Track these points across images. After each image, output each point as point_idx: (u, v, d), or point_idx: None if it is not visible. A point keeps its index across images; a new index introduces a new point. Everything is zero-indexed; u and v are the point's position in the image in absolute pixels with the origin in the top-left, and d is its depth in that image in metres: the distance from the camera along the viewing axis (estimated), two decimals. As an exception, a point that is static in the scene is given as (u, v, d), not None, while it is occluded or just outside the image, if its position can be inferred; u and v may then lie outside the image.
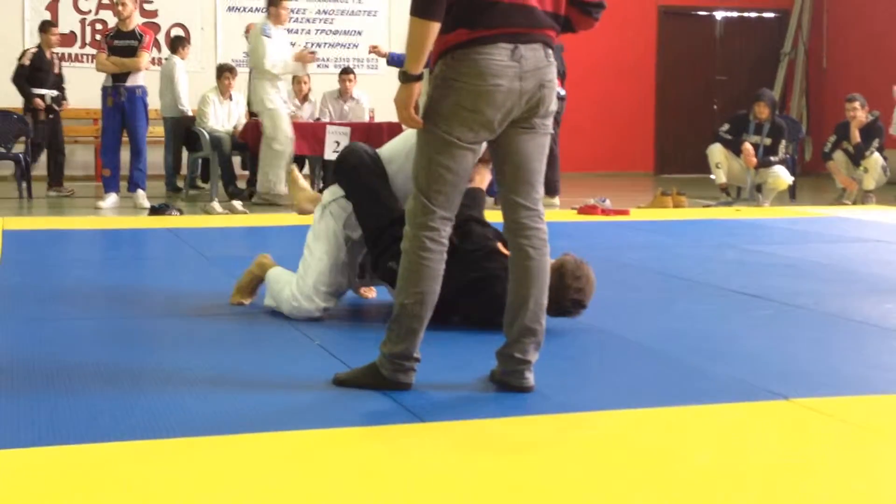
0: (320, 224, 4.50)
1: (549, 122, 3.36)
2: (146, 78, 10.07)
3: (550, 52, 3.31)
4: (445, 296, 4.14)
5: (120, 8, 10.00)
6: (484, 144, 3.38)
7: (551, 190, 11.22)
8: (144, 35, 9.96)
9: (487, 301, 4.16)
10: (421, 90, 3.27)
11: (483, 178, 4.58)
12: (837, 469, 2.72)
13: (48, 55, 11.13)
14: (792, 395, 3.33)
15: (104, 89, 9.95)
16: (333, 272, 4.44)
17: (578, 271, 4.20)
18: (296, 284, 4.46)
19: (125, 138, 10.06)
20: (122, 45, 9.85)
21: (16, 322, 4.36)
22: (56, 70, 11.21)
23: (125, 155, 10.08)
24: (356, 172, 4.46)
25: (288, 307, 4.45)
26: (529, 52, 3.23)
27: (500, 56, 3.19)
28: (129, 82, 9.83)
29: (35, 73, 10.97)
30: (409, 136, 4.62)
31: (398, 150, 4.51)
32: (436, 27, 3.16)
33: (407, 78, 3.22)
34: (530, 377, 3.36)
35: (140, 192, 9.92)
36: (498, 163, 3.38)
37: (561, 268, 4.15)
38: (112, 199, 9.88)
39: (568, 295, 4.17)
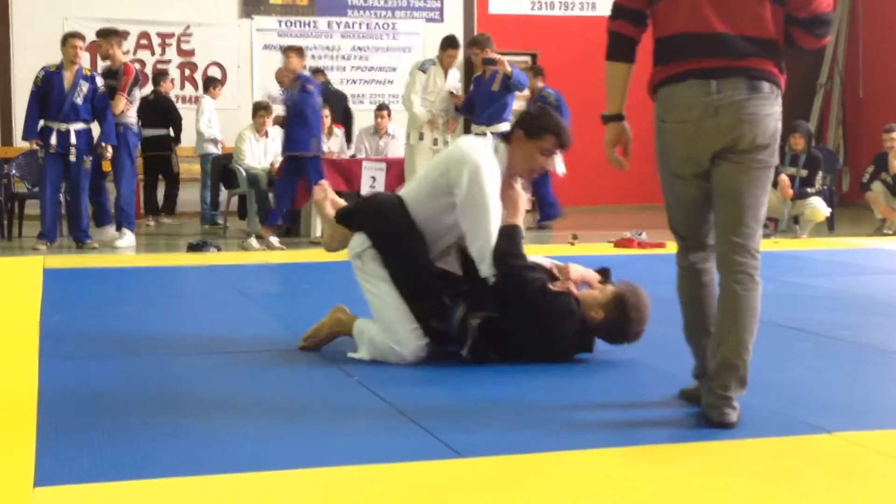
0: (366, 269, 4.39)
1: (763, 155, 3.31)
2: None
3: (758, 83, 3.27)
4: (512, 345, 4.24)
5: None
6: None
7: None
8: (123, 75, 9.79)
9: (555, 343, 4.26)
10: (623, 131, 3.50)
11: (516, 213, 4.37)
12: (883, 504, 2.69)
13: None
14: (834, 428, 3.30)
15: None
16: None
17: (638, 302, 4.28)
18: (386, 333, 4.28)
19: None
20: (108, 84, 9.76)
21: (58, 361, 4.39)
22: None
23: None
24: (381, 236, 4.38)
25: (395, 356, 4.26)
26: (726, 86, 3.25)
27: (688, 92, 3.27)
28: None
29: None
30: (425, 175, 4.52)
31: (420, 194, 4.44)
32: (623, 67, 3.40)
33: (604, 119, 3.46)
34: (731, 414, 3.30)
35: (108, 228, 9.91)
36: (713, 198, 3.39)
37: (621, 301, 4.25)
38: (107, 233, 9.94)
39: (631, 328, 4.28)
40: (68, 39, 9.53)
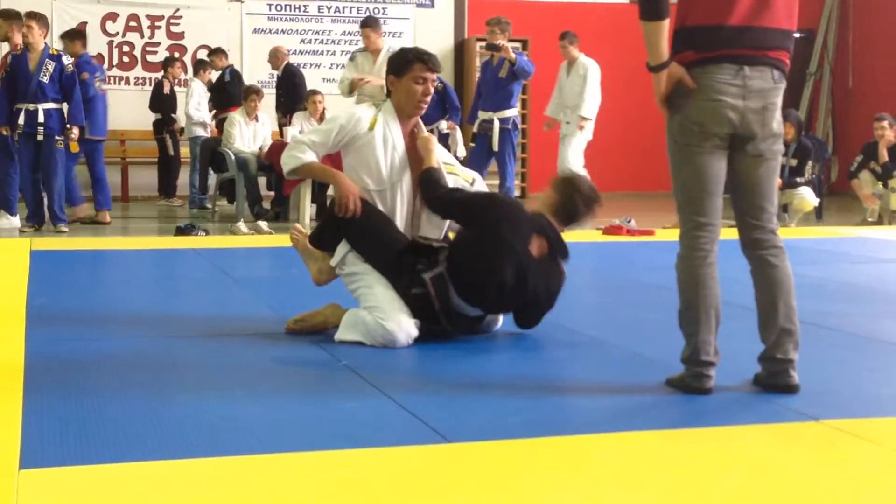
0: (350, 270, 4.47)
1: (777, 146, 3.57)
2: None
3: (779, 74, 3.51)
4: (482, 246, 4.30)
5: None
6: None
7: None
8: None
9: (513, 214, 4.35)
10: (677, 69, 3.48)
11: (429, 156, 4.54)
12: (868, 491, 2.69)
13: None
14: (822, 416, 3.31)
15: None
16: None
17: (582, 176, 4.69)
18: (376, 312, 4.30)
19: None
20: None
21: (44, 342, 4.37)
22: None
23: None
24: (344, 223, 4.45)
25: (385, 334, 4.27)
26: (755, 73, 3.46)
27: (722, 75, 3.43)
28: None
29: None
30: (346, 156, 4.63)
31: (351, 165, 4.58)
32: (661, 24, 3.46)
33: (651, 69, 3.54)
34: (795, 376, 3.56)
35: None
36: (731, 184, 3.58)
37: (565, 176, 4.68)
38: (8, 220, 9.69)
39: (584, 189, 4.48)
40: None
